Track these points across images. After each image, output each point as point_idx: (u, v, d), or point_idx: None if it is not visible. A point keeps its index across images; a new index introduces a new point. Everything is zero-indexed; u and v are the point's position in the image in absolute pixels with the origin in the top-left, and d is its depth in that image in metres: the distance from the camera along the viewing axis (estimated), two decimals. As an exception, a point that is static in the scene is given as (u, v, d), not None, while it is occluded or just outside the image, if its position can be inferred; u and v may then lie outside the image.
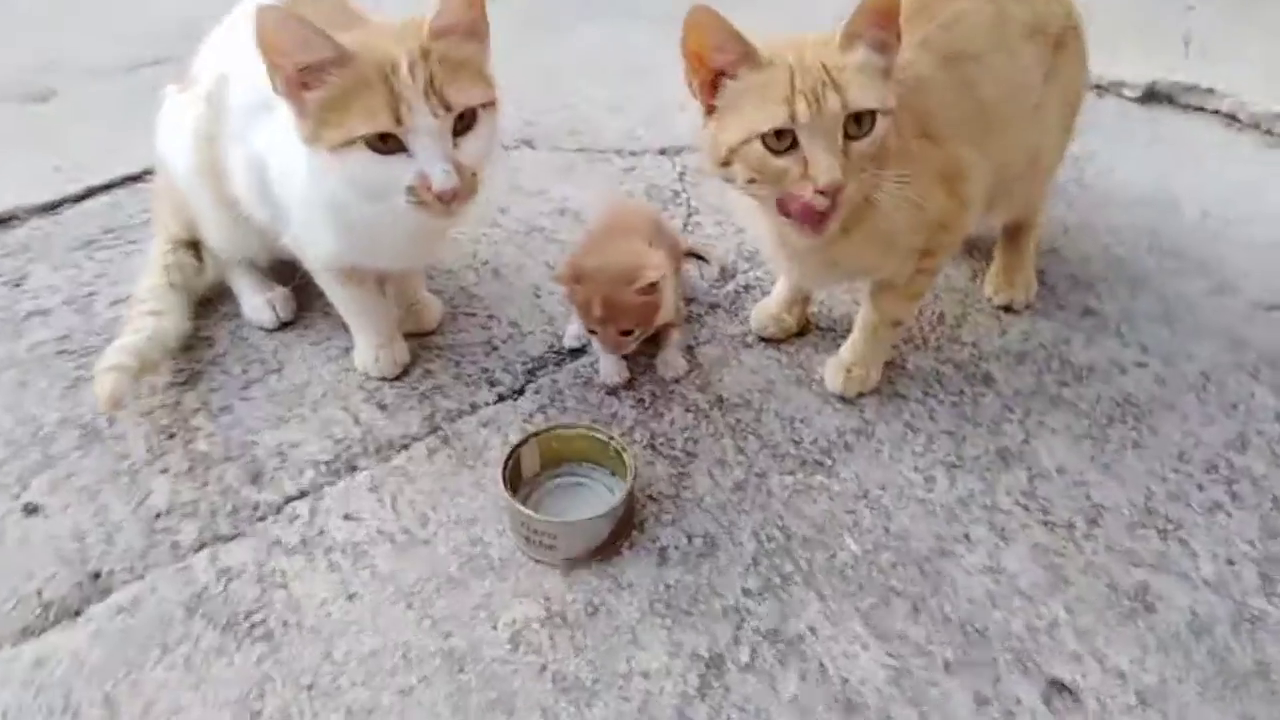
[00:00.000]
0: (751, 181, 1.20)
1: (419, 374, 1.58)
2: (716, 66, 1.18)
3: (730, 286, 1.76)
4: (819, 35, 1.19)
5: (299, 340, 1.65)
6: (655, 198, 1.99)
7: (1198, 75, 2.30)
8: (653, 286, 1.44)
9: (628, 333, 1.47)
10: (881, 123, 1.17)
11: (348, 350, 1.60)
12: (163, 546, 1.32)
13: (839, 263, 1.36)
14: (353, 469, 1.42)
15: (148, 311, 1.56)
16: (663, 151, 2.15)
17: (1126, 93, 2.32)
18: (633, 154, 2.15)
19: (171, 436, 1.48)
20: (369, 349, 1.55)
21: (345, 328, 1.58)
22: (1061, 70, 1.48)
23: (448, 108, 1.17)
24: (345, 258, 1.42)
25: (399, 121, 1.15)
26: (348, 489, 1.39)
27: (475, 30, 1.22)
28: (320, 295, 1.56)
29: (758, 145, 1.16)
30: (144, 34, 2.67)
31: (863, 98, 1.15)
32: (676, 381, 1.55)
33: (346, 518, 1.35)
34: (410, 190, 1.19)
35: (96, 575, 1.28)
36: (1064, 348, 1.61)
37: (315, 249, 1.42)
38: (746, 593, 1.25)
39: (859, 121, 1.16)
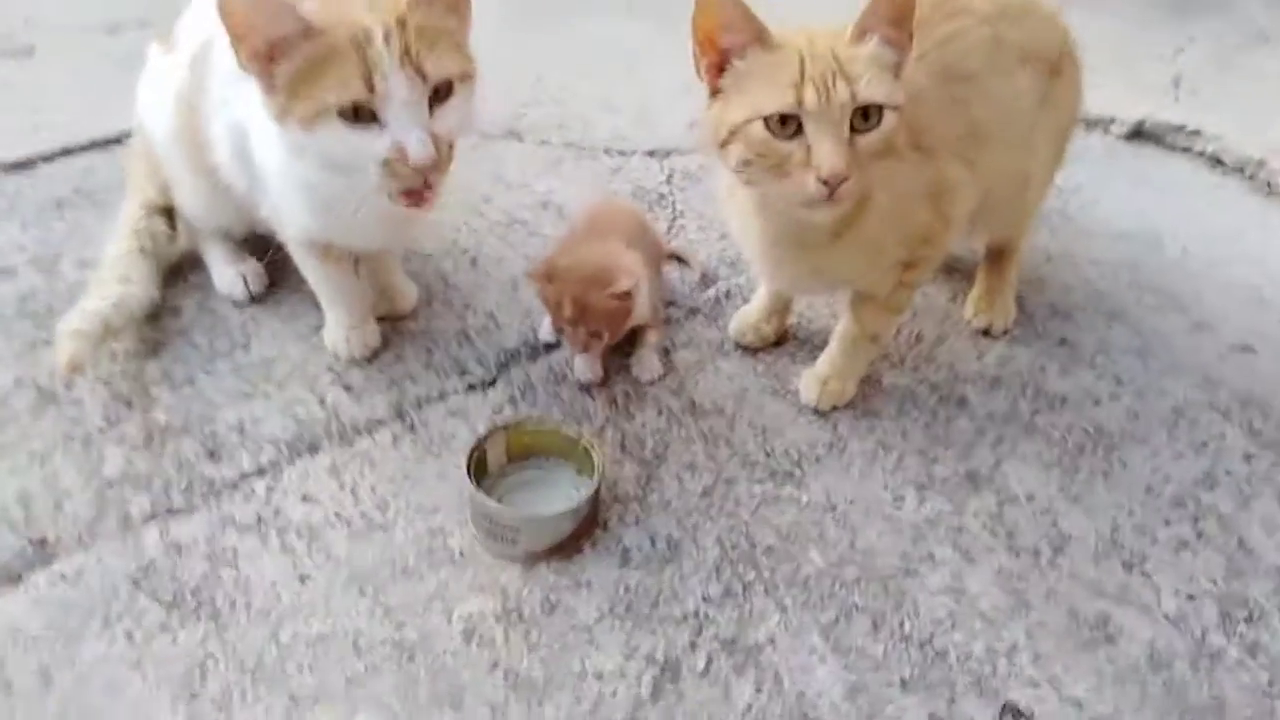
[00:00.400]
0: (747, 164, 1.17)
1: (389, 358, 1.55)
2: (725, 46, 1.16)
3: (711, 292, 1.74)
4: (831, 27, 1.18)
5: (269, 316, 1.62)
6: (641, 199, 1.97)
7: (1185, 116, 2.32)
8: (626, 294, 1.42)
9: (596, 335, 1.45)
10: (889, 118, 1.16)
11: (318, 329, 1.57)
12: (112, 517, 1.28)
13: (823, 270, 1.35)
14: (314, 450, 1.39)
15: (115, 278, 1.52)
16: (651, 153, 2.13)
17: (1114, 129, 2.32)
18: (621, 153, 2.13)
19: (130, 405, 1.44)
20: (340, 329, 1.52)
21: (317, 306, 1.55)
22: (1056, 97, 1.48)
23: (424, 77, 1.13)
24: (320, 234, 1.39)
25: (372, 90, 1.12)
26: (307, 470, 1.36)
27: (455, 4, 1.20)
28: (294, 271, 1.53)
29: (760, 126, 1.14)
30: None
31: (872, 91, 1.13)
32: (651, 383, 1.54)
33: (304, 499, 1.32)
34: (385, 164, 1.16)
35: (42, 541, 1.25)
36: (1039, 375, 1.60)
37: (291, 223, 1.40)
38: (707, 599, 1.23)
39: (866, 115, 1.14)
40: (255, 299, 1.63)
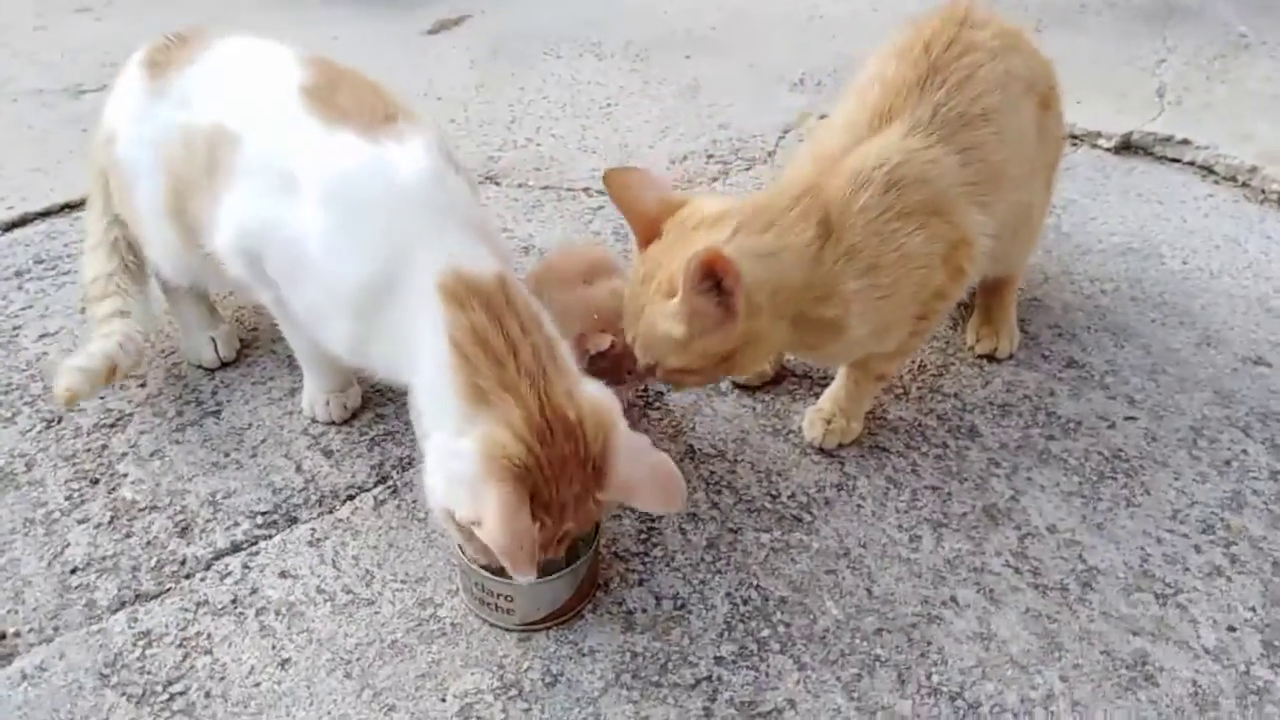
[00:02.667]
0: None
1: (369, 418, 1.47)
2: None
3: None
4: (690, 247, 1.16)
5: (241, 379, 1.54)
6: (624, 239, 1.90)
7: (1172, 127, 2.28)
8: None
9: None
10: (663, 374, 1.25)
11: (294, 391, 1.49)
12: (76, 606, 1.19)
13: (837, 356, 1.32)
14: (292, 521, 1.30)
15: (113, 311, 1.43)
16: (632, 191, 2.07)
17: (1102, 143, 2.28)
18: (600, 193, 2.06)
19: (95, 483, 1.36)
20: (320, 393, 1.44)
21: (291, 367, 1.48)
22: (1047, 130, 1.46)
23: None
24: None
25: None
26: (285, 543, 1.27)
27: None
28: (265, 331, 1.46)
29: None
30: (88, 59, 2.56)
31: (641, 354, 1.24)
32: (629, 408, 1.47)
33: (283, 575, 1.23)
34: None
35: (1, 636, 1.16)
36: (1049, 400, 1.54)
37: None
38: (719, 661, 1.14)
39: None
40: (226, 363, 1.55)
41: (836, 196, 1.22)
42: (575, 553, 1.15)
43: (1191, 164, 2.22)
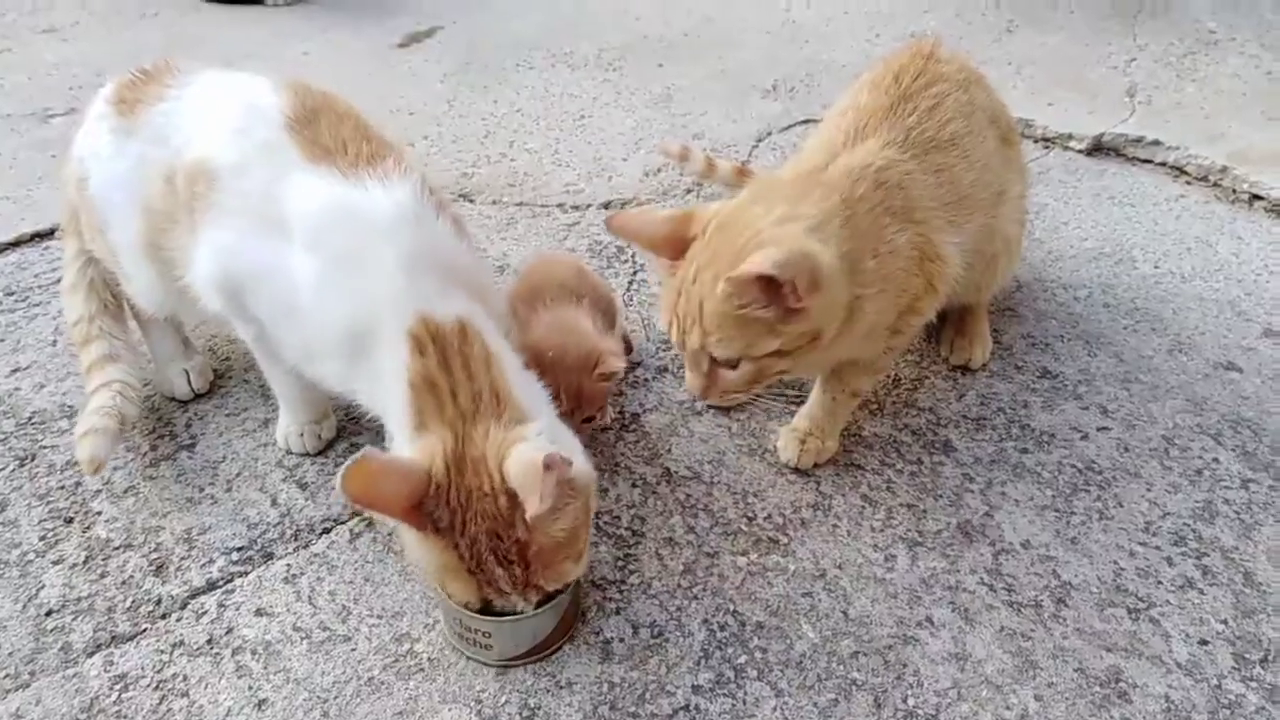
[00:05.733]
0: None
1: (344, 448, 1.47)
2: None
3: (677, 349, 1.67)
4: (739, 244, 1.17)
5: (215, 411, 1.53)
6: (599, 255, 1.91)
7: (1143, 128, 2.29)
8: (613, 374, 1.39)
9: (589, 420, 1.41)
10: (752, 365, 1.21)
11: (268, 422, 1.48)
12: (52, 650, 1.19)
13: (815, 365, 1.33)
14: (268, 557, 1.30)
15: (102, 357, 1.44)
16: (606, 205, 2.07)
17: (1073, 145, 2.30)
18: (575, 208, 2.06)
19: (69, 522, 1.35)
20: (294, 425, 1.43)
21: (264, 397, 1.47)
22: (1012, 161, 1.51)
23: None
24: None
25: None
26: (261, 580, 1.27)
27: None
28: (238, 361, 1.45)
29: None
30: (56, 81, 2.54)
31: (721, 350, 1.19)
32: (606, 429, 1.49)
33: (259, 613, 1.23)
34: None
35: (-24, 684, 1.15)
36: (1023, 412, 1.55)
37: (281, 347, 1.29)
38: (697, 689, 1.15)
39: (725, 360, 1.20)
40: (199, 395, 1.54)
41: (839, 183, 1.24)
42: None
43: (1163, 165, 2.23)
